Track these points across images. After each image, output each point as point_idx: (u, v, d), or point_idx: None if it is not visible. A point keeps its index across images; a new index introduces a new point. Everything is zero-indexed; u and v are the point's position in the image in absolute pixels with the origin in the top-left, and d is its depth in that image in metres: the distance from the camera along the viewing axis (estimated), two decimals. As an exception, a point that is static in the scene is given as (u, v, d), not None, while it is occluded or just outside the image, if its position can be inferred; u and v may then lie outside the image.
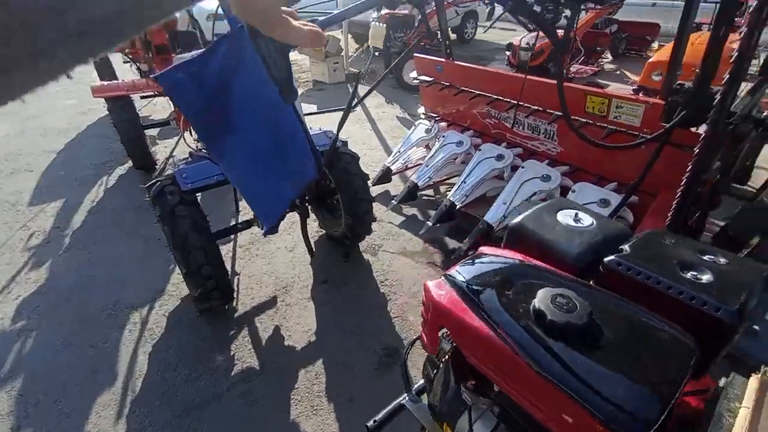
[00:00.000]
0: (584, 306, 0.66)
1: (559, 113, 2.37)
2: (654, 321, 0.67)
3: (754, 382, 0.56)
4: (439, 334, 0.88)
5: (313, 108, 5.53)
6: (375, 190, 3.00)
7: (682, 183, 1.51)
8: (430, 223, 2.76)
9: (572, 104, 2.02)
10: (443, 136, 3.20)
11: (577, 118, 2.28)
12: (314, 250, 2.52)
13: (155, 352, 2.04)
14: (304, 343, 2.07)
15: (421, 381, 1.23)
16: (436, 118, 3.53)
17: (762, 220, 2.01)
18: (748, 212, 2.14)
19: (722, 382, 0.64)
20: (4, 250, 2.81)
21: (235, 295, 2.33)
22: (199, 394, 1.83)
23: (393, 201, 3.08)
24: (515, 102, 2.62)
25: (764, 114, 1.67)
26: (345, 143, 2.43)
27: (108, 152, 4.10)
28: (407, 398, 1.17)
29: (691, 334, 0.64)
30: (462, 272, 0.85)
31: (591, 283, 0.81)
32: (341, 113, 2.02)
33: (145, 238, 2.88)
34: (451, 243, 2.77)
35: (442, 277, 0.85)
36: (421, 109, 3.82)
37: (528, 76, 2.39)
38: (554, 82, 2.67)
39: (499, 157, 2.81)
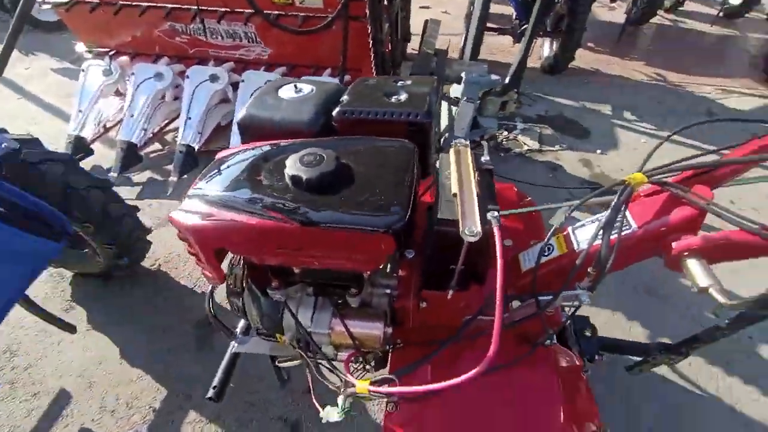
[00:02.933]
0: (330, 155, 0.73)
1: (250, 11, 2.22)
2: (385, 143, 0.81)
3: (452, 152, 0.78)
4: (225, 262, 0.80)
5: None
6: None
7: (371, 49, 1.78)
8: (175, 179, 2.35)
9: (256, -3, 1.92)
10: (132, 74, 2.55)
11: (269, 12, 2.21)
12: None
13: None
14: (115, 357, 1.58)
15: (242, 322, 1.11)
16: (111, 54, 2.72)
17: (423, 67, 2.68)
18: (417, 66, 2.80)
19: (436, 164, 0.87)
20: None
21: None
22: None
23: (112, 174, 2.39)
24: (197, 8, 2.27)
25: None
26: (34, 141, 1.45)
27: None
28: (235, 345, 1.08)
29: (411, 141, 0.81)
30: (204, 184, 0.77)
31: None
32: None
33: None
34: (212, 187, 2.49)
35: (186, 199, 0.75)
36: (80, 47, 2.83)
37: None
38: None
39: (214, 78, 2.52)
